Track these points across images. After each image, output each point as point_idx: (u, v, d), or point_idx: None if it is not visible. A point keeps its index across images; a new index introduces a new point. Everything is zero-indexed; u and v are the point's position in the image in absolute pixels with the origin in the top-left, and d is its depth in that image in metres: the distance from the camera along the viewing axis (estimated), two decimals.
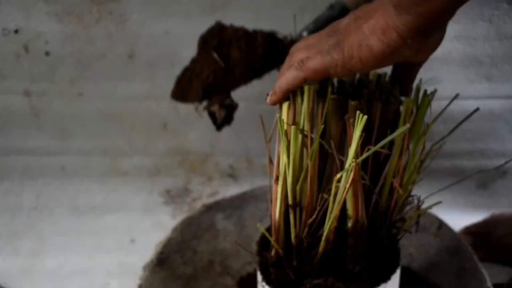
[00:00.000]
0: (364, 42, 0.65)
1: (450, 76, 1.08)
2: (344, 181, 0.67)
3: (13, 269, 1.03)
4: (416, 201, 0.78)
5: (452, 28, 1.04)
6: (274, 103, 0.73)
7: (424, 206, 0.78)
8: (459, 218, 1.07)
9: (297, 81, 0.70)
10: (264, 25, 1.04)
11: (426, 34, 0.63)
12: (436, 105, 0.74)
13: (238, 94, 1.10)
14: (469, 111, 0.88)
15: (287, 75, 0.70)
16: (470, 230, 1.07)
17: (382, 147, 0.69)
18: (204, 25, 1.05)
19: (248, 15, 1.04)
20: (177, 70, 1.09)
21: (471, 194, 1.15)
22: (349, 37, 0.66)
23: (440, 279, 0.92)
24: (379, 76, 0.80)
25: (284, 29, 1.05)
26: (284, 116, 0.72)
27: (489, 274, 0.90)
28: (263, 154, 0.80)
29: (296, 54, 0.73)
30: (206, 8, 1.04)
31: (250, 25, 1.05)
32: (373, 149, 0.66)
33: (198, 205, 1.09)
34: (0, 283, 1.00)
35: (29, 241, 1.08)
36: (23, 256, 1.06)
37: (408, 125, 0.66)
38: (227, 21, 1.05)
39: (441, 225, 0.97)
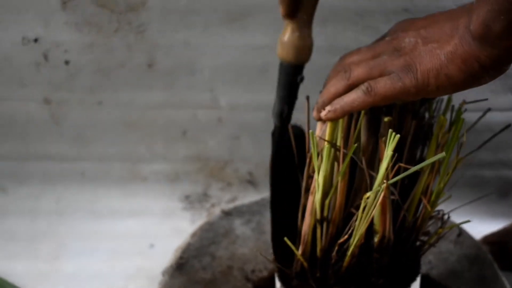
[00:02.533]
0: (442, 70, 0.62)
1: (475, 88, 1.07)
2: (372, 200, 0.67)
3: (32, 273, 1.04)
4: (440, 215, 0.78)
5: None
6: (329, 120, 0.69)
7: (445, 217, 0.78)
8: (479, 227, 1.06)
9: (363, 105, 0.66)
10: None
11: (509, 63, 0.60)
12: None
13: (258, 102, 1.11)
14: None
15: (352, 97, 0.66)
16: (488, 239, 1.06)
17: (412, 164, 0.69)
18: (223, 35, 1.05)
19: (267, 27, 1.04)
20: (197, 79, 1.09)
21: (492, 204, 1.14)
22: (421, 62, 0.63)
23: (460, 287, 0.91)
24: None
25: None
26: (327, 133, 0.70)
27: (509, 282, 0.89)
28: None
29: (356, 70, 0.69)
30: (225, 19, 1.04)
31: (268, 36, 1.05)
32: (403, 174, 0.65)
33: (217, 210, 1.09)
34: (20, 287, 1.00)
35: (48, 245, 1.09)
36: (42, 260, 1.06)
37: (443, 154, 0.65)
38: (246, 32, 1.05)
39: (461, 233, 0.97)
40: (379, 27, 1.04)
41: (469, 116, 0.78)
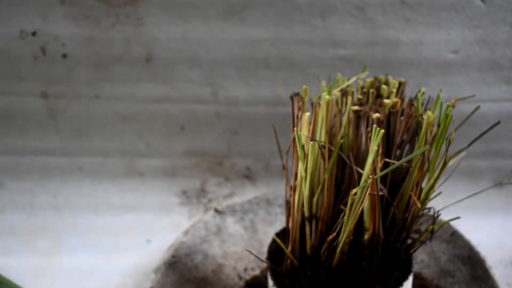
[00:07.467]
0: None
1: (468, 80, 1.07)
2: (359, 196, 0.67)
3: (30, 268, 1.04)
4: (432, 212, 0.77)
5: (474, 32, 1.03)
6: None
7: (436, 215, 0.78)
8: (475, 219, 1.06)
9: None
10: (284, 31, 1.04)
11: None
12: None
13: (257, 97, 1.10)
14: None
15: None
16: None
17: (401, 159, 0.68)
18: (222, 29, 1.04)
19: (267, 20, 1.04)
20: (196, 74, 1.09)
21: (487, 195, 1.14)
22: None
23: (452, 286, 0.91)
24: (399, 84, 0.79)
25: (303, 35, 1.05)
26: (304, 129, 0.70)
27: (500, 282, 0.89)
28: (280, 157, 0.79)
29: None
30: (224, 12, 1.04)
31: (268, 30, 1.05)
32: (390, 168, 0.65)
33: (215, 205, 1.09)
34: (17, 282, 1.01)
35: (45, 240, 1.09)
36: (40, 255, 1.07)
37: (427, 147, 0.65)
38: (245, 26, 1.04)
39: (454, 232, 0.96)
40: (377, 19, 1.04)
41: (462, 108, 0.78)
